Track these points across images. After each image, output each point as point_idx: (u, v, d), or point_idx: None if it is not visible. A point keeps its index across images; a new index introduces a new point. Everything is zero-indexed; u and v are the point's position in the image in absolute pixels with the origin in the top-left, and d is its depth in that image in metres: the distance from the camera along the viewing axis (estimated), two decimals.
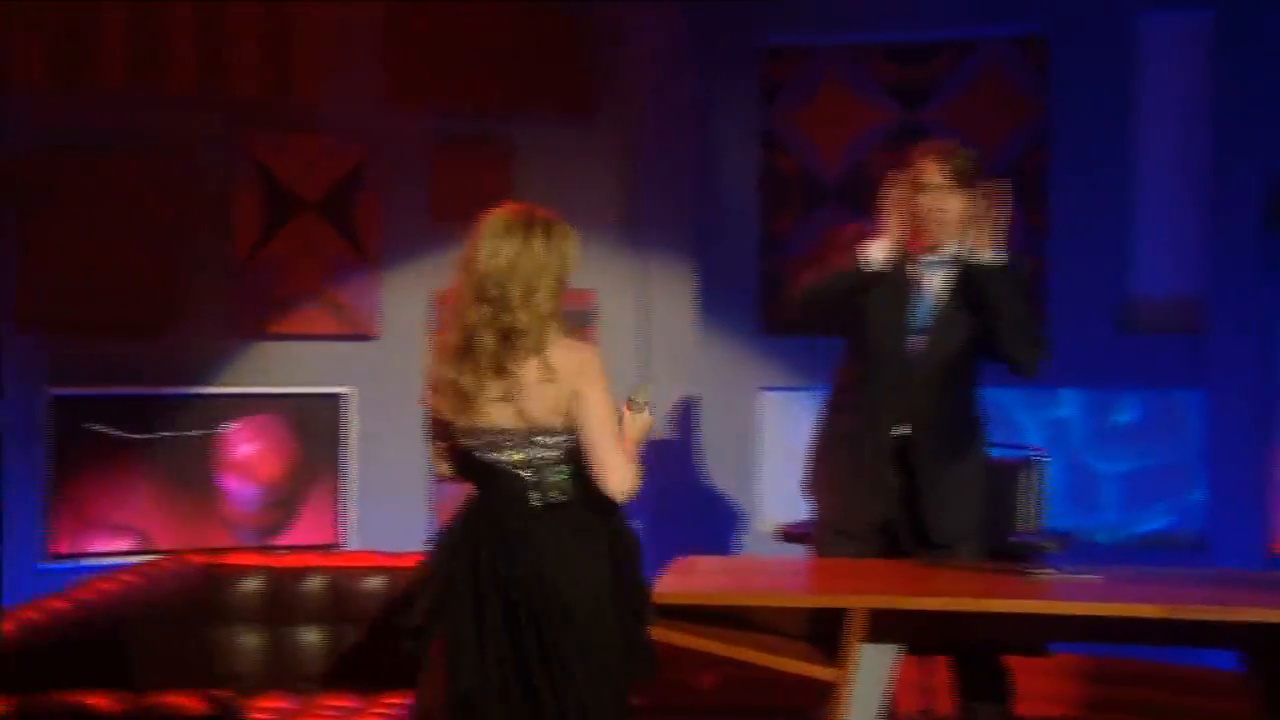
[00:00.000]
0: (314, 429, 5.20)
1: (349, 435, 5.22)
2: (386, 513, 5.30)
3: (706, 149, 5.65)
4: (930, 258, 3.55)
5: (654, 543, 5.38)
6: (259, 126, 5.19)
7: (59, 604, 2.73)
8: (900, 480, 3.53)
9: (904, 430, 3.55)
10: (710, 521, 5.61)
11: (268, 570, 3.20)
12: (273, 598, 3.27)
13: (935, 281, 3.55)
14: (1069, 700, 4.36)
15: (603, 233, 5.46)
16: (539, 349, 2.74)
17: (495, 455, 2.76)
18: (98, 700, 2.05)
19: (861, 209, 5.75)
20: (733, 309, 5.81)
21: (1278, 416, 5.20)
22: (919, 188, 3.49)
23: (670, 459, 5.58)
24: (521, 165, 5.35)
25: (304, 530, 5.22)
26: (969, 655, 3.32)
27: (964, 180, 3.48)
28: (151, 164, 5.08)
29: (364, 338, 5.29)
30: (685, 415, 5.60)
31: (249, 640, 3.22)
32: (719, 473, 5.65)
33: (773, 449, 5.76)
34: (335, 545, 5.20)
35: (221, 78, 5.10)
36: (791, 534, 4.38)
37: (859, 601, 2.67)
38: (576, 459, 2.73)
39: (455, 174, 5.31)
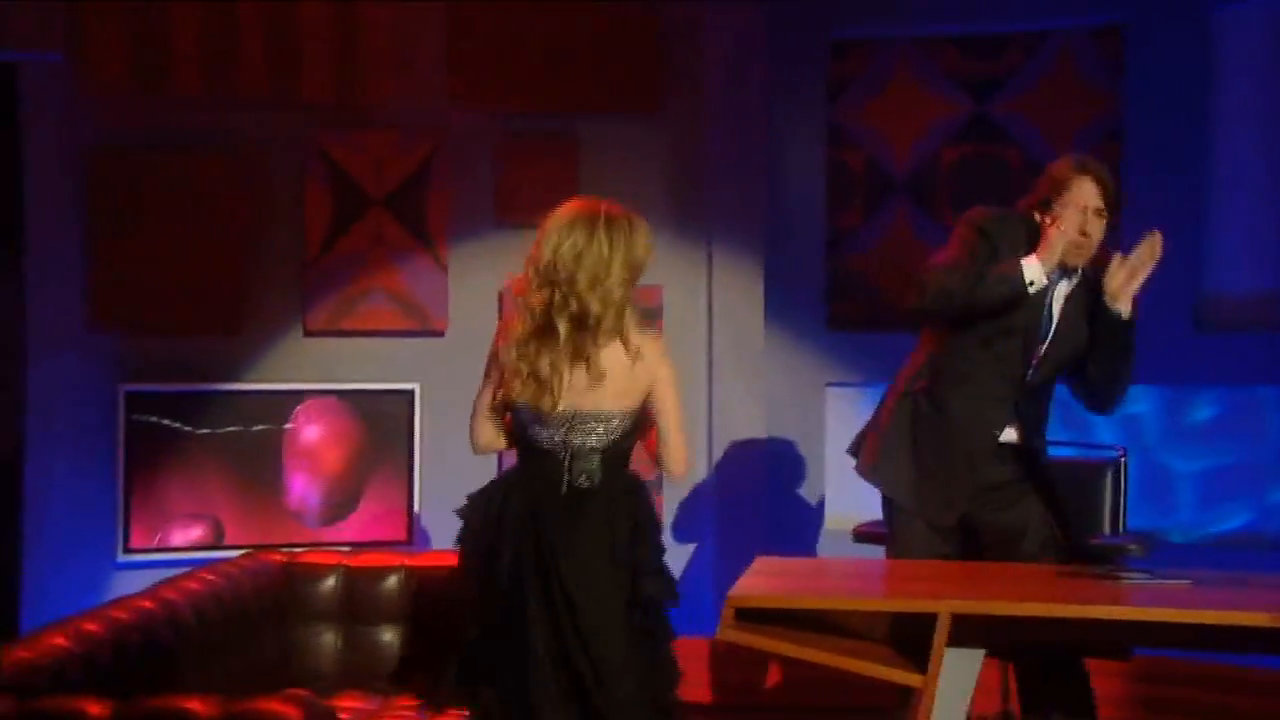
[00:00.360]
0: (383, 425, 5.23)
1: (417, 431, 5.23)
2: (454, 509, 5.31)
3: (774, 145, 5.63)
4: (1058, 271, 3.53)
5: (720, 540, 5.42)
6: (328, 125, 5.23)
7: (145, 603, 2.77)
8: (1002, 480, 3.52)
9: (1011, 436, 3.55)
10: (777, 519, 5.60)
11: (344, 569, 3.23)
12: (349, 596, 3.29)
13: (1059, 294, 3.55)
14: (1115, 701, 4.30)
15: (669, 229, 5.45)
16: (618, 333, 2.83)
17: (547, 435, 2.88)
18: (194, 705, 2.08)
19: (930, 203, 5.76)
20: (799, 305, 5.80)
21: None
22: (1070, 203, 3.43)
23: (737, 456, 5.56)
24: (587, 162, 5.36)
25: (373, 526, 5.26)
26: (1049, 661, 3.30)
27: (1113, 206, 3.48)
28: (224, 164, 5.15)
29: (432, 334, 5.32)
30: (751, 412, 5.59)
31: (326, 639, 3.25)
32: (786, 470, 5.63)
33: (840, 446, 5.72)
34: (405, 543, 5.23)
35: (292, 78, 5.15)
36: (865, 534, 4.36)
37: (954, 607, 2.66)
38: (611, 447, 2.84)
39: (520, 171, 5.32)
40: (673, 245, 5.47)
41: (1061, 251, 3.43)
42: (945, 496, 3.53)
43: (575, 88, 5.33)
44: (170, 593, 2.90)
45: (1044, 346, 3.53)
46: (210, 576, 3.08)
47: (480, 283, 5.34)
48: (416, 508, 5.26)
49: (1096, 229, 3.44)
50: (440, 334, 5.33)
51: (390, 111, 5.27)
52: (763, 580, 2.96)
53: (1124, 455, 3.80)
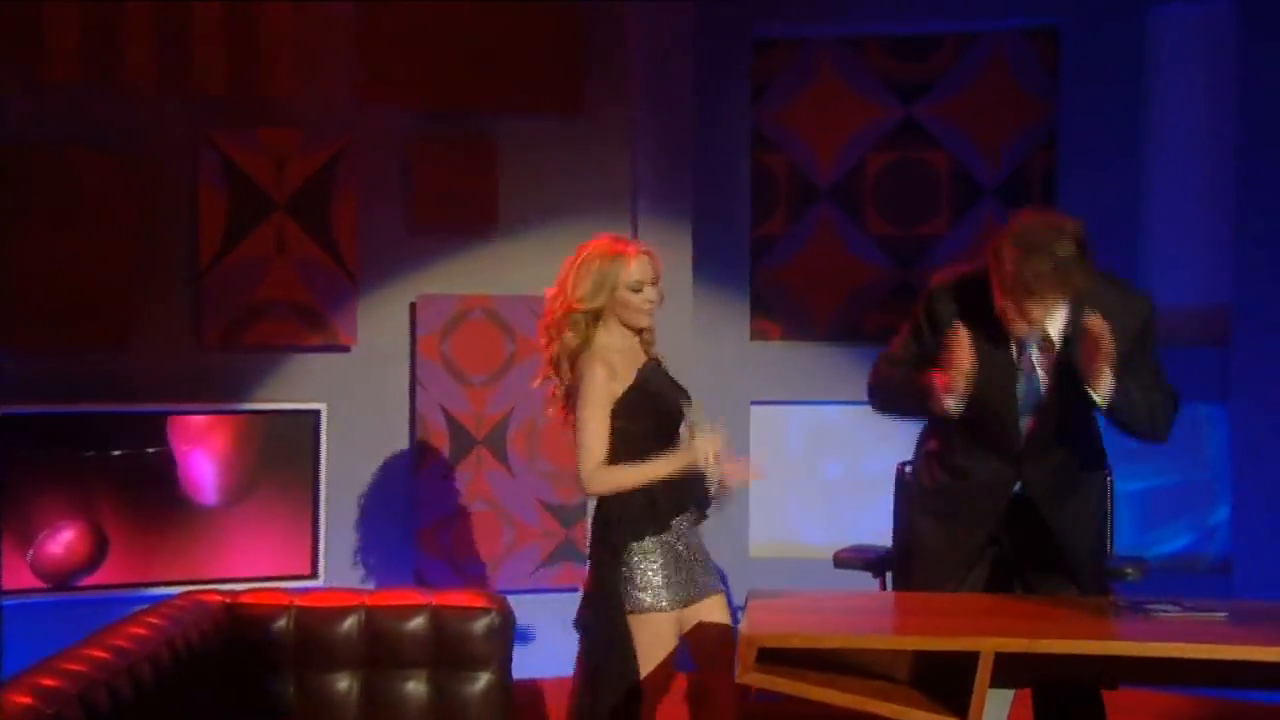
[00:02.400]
0: (285, 449, 5.05)
1: (323, 456, 5.06)
2: (364, 540, 5.16)
3: (701, 149, 5.59)
4: (1029, 337, 3.40)
5: None
6: (223, 121, 5.02)
7: (98, 653, 2.58)
8: (1013, 525, 3.49)
9: (1016, 488, 3.51)
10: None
11: (294, 611, 3.06)
12: (303, 641, 3.13)
13: (1037, 358, 3.44)
14: None
15: (593, 236, 5.36)
16: None
17: None
18: None
19: (855, 211, 5.79)
20: (725, 317, 5.76)
21: None
22: (1022, 284, 3.19)
23: None
24: (507, 166, 5.25)
25: (273, 559, 5.05)
26: (1070, 695, 3.29)
27: (1075, 285, 3.24)
28: (107, 161, 4.89)
29: (339, 349, 5.15)
30: None
31: (281, 689, 3.08)
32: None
33: (764, 465, 5.71)
34: (308, 577, 5.04)
35: (182, 68, 4.94)
36: (846, 560, 4.33)
37: (1000, 645, 2.62)
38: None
39: (435, 173, 5.18)
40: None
41: (963, 376, 3.32)
42: (963, 534, 3.49)
43: (493, 85, 5.21)
44: (119, 640, 2.70)
45: (1032, 417, 3.44)
46: (155, 620, 2.89)
47: (392, 294, 5.20)
48: (322, 540, 5.07)
49: (1059, 311, 3.30)
50: (347, 349, 5.16)
51: (292, 107, 5.08)
52: (779, 618, 2.89)
53: (1110, 474, 3.83)
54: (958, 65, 5.71)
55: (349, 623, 3.13)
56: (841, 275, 5.79)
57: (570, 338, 3.61)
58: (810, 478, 5.76)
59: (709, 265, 5.60)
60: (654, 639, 3.39)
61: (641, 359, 3.65)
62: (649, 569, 3.42)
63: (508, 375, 5.24)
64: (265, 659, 3.13)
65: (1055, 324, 3.35)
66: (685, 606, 3.46)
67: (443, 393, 5.18)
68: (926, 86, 5.72)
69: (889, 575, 4.28)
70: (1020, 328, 3.32)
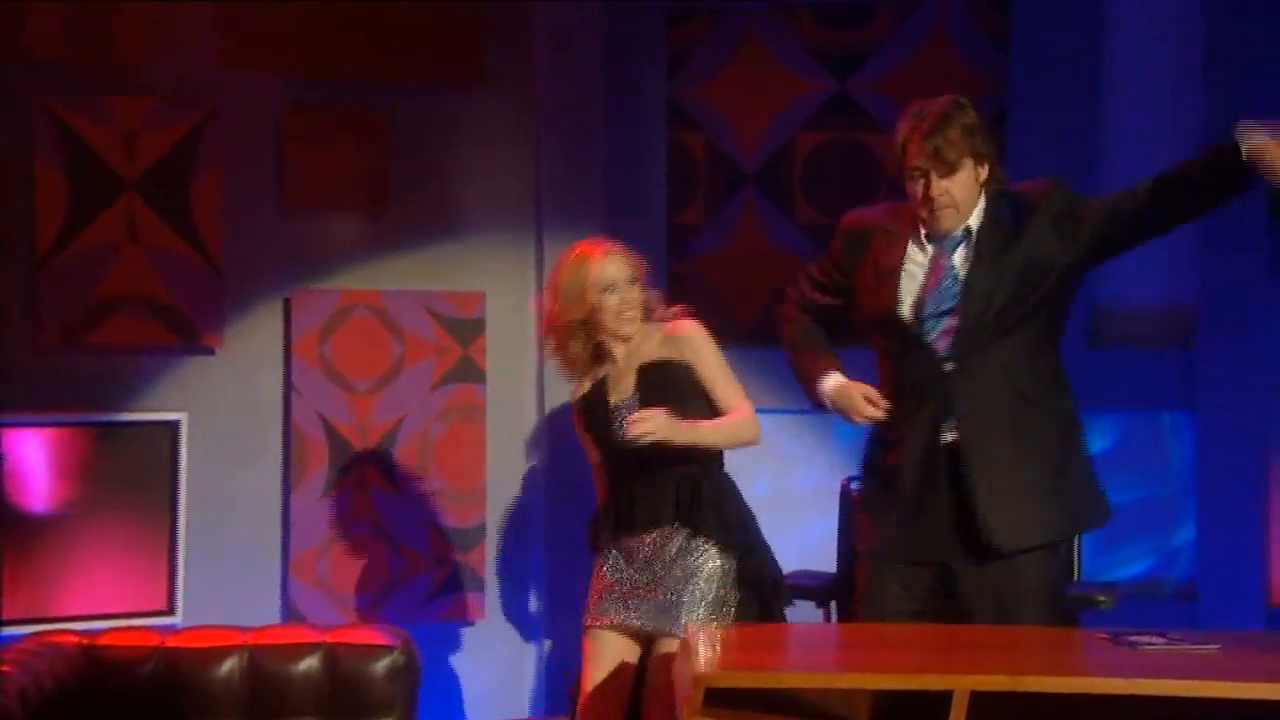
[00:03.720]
0: (137, 465, 4.94)
1: (183, 473, 4.96)
2: (229, 571, 5.06)
3: (613, 127, 5.56)
4: (947, 238, 3.65)
5: (552, 577, 5.30)
6: (62, 88, 4.89)
7: None
8: (953, 494, 3.54)
9: (949, 436, 3.56)
10: None
11: (164, 653, 2.97)
12: (174, 689, 3.03)
13: (957, 259, 3.64)
14: None
15: (494, 224, 5.33)
16: None
17: None
18: None
19: (783, 197, 5.79)
20: None
21: (1277, 441, 5.34)
22: (925, 151, 3.58)
23: (570, 491, 5.46)
24: (397, 142, 5.19)
25: (124, 594, 4.92)
26: None
27: (955, 156, 3.57)
28: None
29: (202, 351, 5.06)
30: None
31: None
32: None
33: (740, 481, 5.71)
34: (164, 613, 4.91)
35: (12, 25, 4.80)
36: (790, 586, 4.31)
37: (976, 683, 2.61)
38: None
39: (315, 152, 5.10)
40: (497, 245, 5.35)
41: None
42: (904, 528, 3.56)
43: (381, 50, 5.13)
44: None
45: (950, 319, 3.59)
46: (4, 667, 2.77)
47: (263, 288, 5.11)
48: (180, 570, 4.96)
49: (949, 187, 3.55)
50: (211, 351, 5.07)
51: (145, 73, 4.97)
52: (727, 655, 2.86)
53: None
54: (895, 35, 5.73)
55: (228, 666, 3.04)
56: (768, 270, 5.78)
57: (575, 345, 3.88)
58: None
59: None
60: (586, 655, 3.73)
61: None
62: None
63: (397, 381, 5.17)
64: (130, 709, 3.03)
65: (974, 216, 3.61)
66: (614, 631, 3.72)
67: (322, 401, 5.11)
68: (861, 59, 5.74)
69: (833, 605, 4.27)
70: (939, 219, 3.56)
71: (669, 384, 3.90)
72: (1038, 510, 3.55)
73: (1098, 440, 5.56)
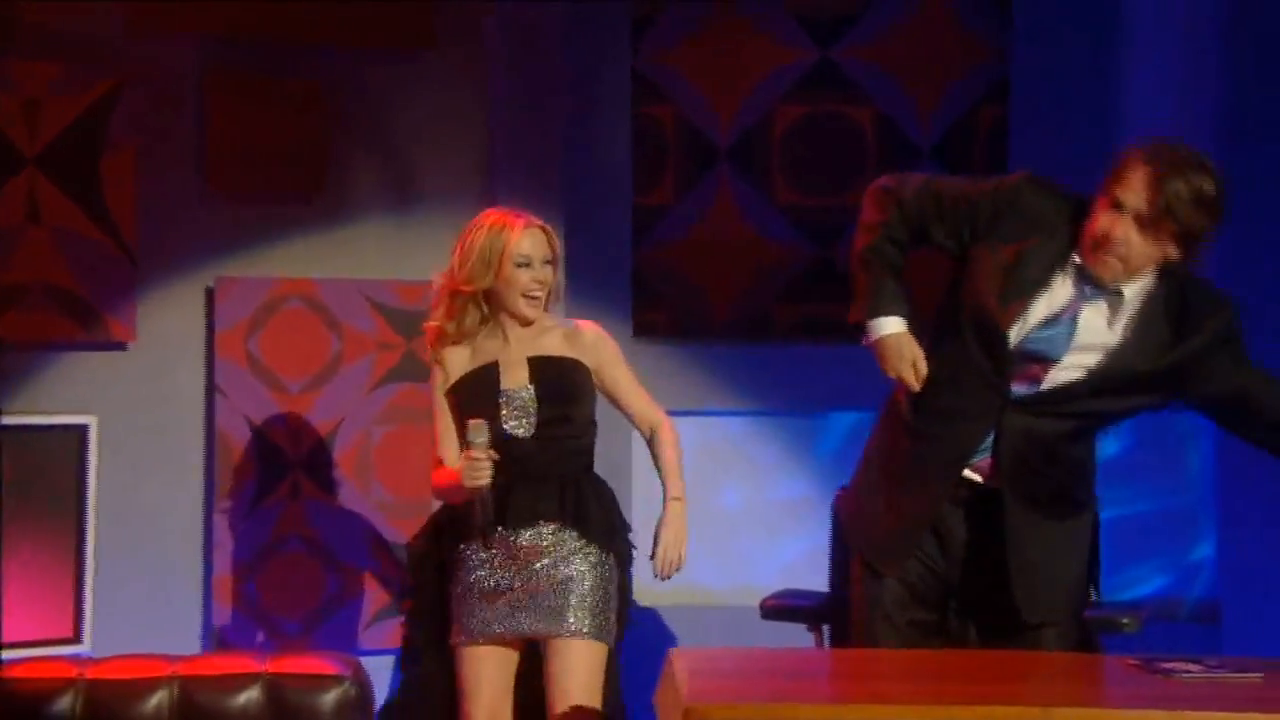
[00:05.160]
0: (39, 474, 4.91)
1: (91, 483, 4.94)
2: (144, 592, 5.01)
3: (575, 97, 5.54)
4: (1108, 285, 3.55)
5: None
6: None
7: None
8: (967, 538, 3.56)
9: (975, 477, 3.59)
10: None
11: (83, 686, 2.92)
12: None
13: (1090, 311, 3.57)
14: None
15: (443, 206, 5.28)
16: None
17: None
18: None
19: (761, 176, 5.78)
20: (601, 304, 5.71)
21: None
22: (1110, 198, 3.48)
23: None
24: (333, 112, 5.16)
25: (24, 619, 4.87)
26: None
27: (1167, 219, 3.46)
28: None
29: (112, 346, 5.03)
30: None
31: None
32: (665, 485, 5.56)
33: (648, 487, 5.69)
34: (70, 641, 4.87)
35: None
36: (775, 608, 4.33)
37: (1002, 715, 2.61)
38: None
39: (241, 125, 5.08)
40: (446, 227, 5.25)
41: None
42: (907, 545, 3.56)
43: (316, 11, 5.09)
44: None
45: (1033, 365, 3.55)
46: None
47: (182, 277, 5.08)
48: (88, 592, 4.91)
49: (1121, 230, 3.44)
50: (123, 347, 5.04)
51: (47, 33, 4.91)
52: (724, 684, 2.87)
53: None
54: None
55: (156, 700, 3.00)
56: (743, 256, 5.78)
57: (471, 317, 3.93)
58: (704, 506, 5.72)
59: (582, 243, 5.54)
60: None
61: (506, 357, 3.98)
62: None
63: (334, 380, 5.15)
64: None
65: (1135, 283, 3.50)
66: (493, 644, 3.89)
67: (249, 402, 5.08)
68: (847, 23, 5.74)
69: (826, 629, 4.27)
70: (1105, 265, 3.45)
71: (567, 383, 4.01)
72: (1059, 593, 3.64)
73: (1109, 445, 5.60)
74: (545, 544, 3.93)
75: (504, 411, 3.95)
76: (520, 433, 3.94)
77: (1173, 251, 3.46)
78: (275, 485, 5.10)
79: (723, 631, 5.32)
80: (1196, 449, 5.57)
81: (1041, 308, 3.54)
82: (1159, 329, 3.54)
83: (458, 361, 4.06)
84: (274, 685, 3.03)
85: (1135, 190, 3.43)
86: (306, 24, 5.13)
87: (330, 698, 3.08)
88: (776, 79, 5.76)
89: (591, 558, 3.92)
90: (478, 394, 3.98)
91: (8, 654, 4.33)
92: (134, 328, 5.04)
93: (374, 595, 5.19)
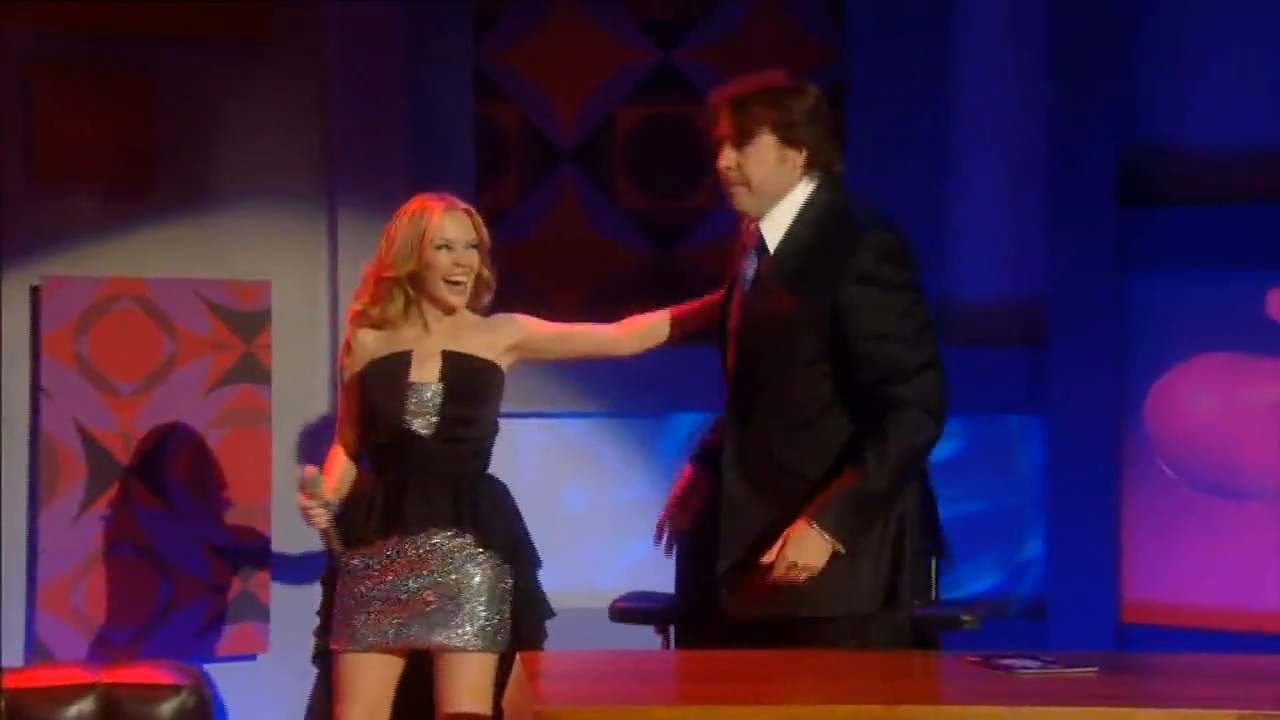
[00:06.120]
0: None
1: None
2: None
3: (417, 96, 5.50)
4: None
5: None
6: None
7: None
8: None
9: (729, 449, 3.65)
10: None
11: (3, 695, 2.84)
12: None
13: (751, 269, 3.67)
14: None
15: (281, 204, 5.24)
16: None
17: None
18: None
19: (605, 177, 5.77)
20: None
21: (1132, 447, 5.50)
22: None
23: None
24: (166, 107, 5.09)
25: None
26: None
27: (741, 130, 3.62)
28: None
29: None
30: None
31: None
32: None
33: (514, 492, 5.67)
34: None
35: None
36: (625, 610, 4.31)
37: (844, 713, 2.63)
38: None
39: (68, 117, 4.99)
40: (284, 227, 5.25)
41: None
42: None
43: (150, 3, 5.02)
44: None
45: (734, 341, 3.65)
46: None
47: (6, 274, 4.96)
48: None
49: (730, 161, 3.60)
50: None
51: None
52: (577, 687, 2.86)
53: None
54: (726, 1, 5.77)
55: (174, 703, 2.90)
56: (587, 258, 5.78)
57: (394, 306, 3.87)
58: (547, 509, 5.70)
59: None
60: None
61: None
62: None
63: (167, 382, 5.06)
64: None
65: (772, 225, 3.58)
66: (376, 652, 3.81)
67: (77, 405, 4.97)
68: (688, 26, 5.77)
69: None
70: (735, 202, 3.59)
71: (477, 384, 3.93)
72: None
73: (942, 446, 5.67)
74: (438, 551, 3.84)
75: (410, 404, 3.86)
76: (423, 430, 3.84)
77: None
78: (104, 491, 5.00)
79: (569, 634, 5.30)
80: (1028, 449, 5.67)
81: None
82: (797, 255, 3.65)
83: (368, 344, 3.94)
84: (108, 696, 2.94)
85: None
86: (140, 14, 5.04)
87: (168, 708, 3.00)
88: (620, 80, 5.77)
89: (486, 565, 3.83)
90: (385, 383, 3.89)
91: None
92: None
93: (208, 602, 5.10)
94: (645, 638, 4.46)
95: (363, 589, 3.84)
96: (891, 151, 5.62)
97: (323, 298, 5.33)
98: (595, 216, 5.78)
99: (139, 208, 5.10)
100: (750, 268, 3.62)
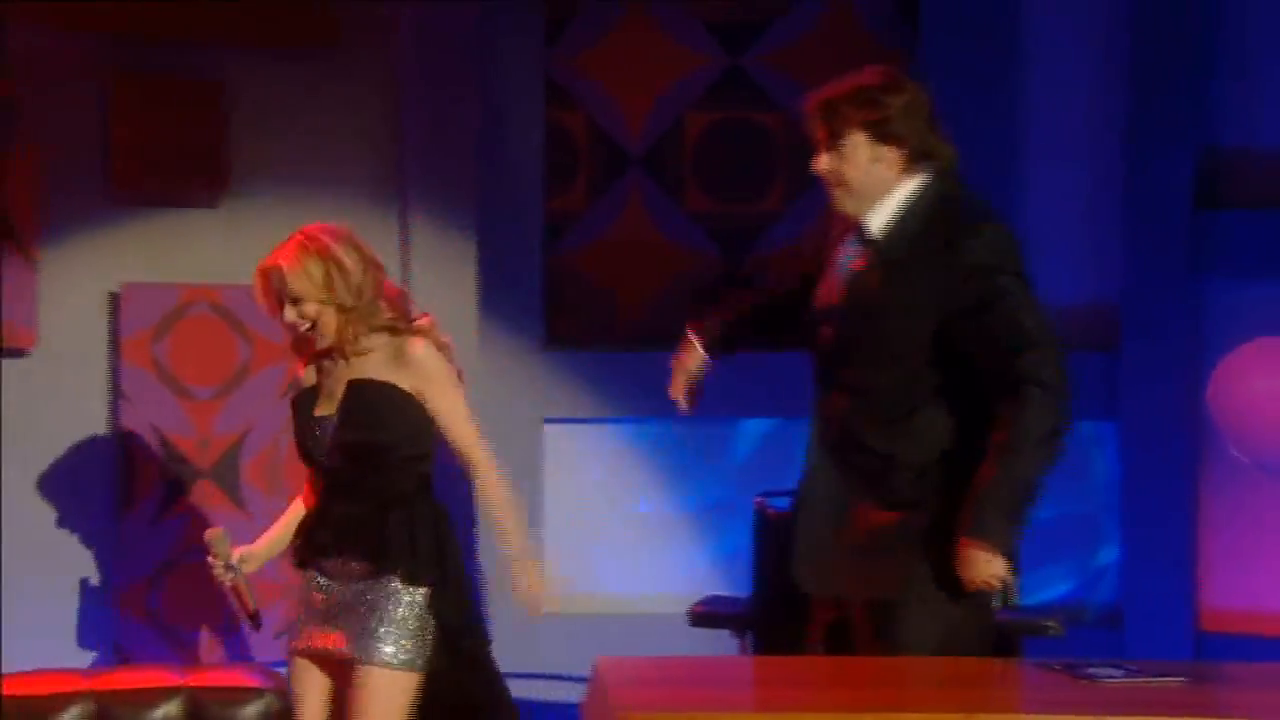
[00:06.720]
0: None
1: None
2: (45, 605, 4.93)
3: (487, 102, 5.52)
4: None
5: None
6: None
7: None
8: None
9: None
10: (483, 589, 5.47)
11: (93, 697, 2.88)
12: None
13: (847, 258, 3.62)
14: None
15: (353, 210, 5.19)
16: None
17: None
18: None
19: (672, 182, 5.78)
20: (511, 314, 5.70)
21: (1208, 453, 5.46)
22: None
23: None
24: (238, 114, 5.13)
25: None
26: None
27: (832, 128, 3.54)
28: None
29: (10, 354, 4.95)
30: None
31: None
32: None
33: (560, 498, 5.69)
34: None
35: None
36: (703, 616, 4.31)
37: None
38: None
39: (145, 125, 5.03)
40: (357, 231, 5.21)
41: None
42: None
43: (223, 11, 5.06)
44: None
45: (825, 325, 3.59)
46: None
47: (85, 281, 5.02)
48: None
49: (825, 164, 3.53)
50: (23, 353, 4.97)
51: None
52: (645, 692, 2.85)
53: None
54: (795, 6, 5.76)
55: (72, 715, 2.94)
56: (655, 262, 5.79)
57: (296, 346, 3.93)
58: (614, 513, 5.74)
59: (494, 249, 5.53)
60: None
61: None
62: None
63: (242, 387, 5.11)
64: None
65: (877, 212, 3.52)
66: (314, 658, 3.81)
67: (155, 409, 5.02)
68: (757, 31, 5.77)
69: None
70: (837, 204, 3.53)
71: (370, 407, 3.81)
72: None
73: None
74: (354, 575, 3.81)
75: (315, 438, 3.84)
76: (326, 462, 3.83)
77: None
78: (182, 495, 5.05)
79: (637, 639, 5.30)
80: (1101, 455, 5.64)
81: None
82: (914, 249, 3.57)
83: (303, 379, 3.94)
84: (194, 700, 2.98)
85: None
86: (210, 22, 5.08)
87: (252, 710, 3.03)
88: (688, 85, 5.78)
89: (397, 589, 3.76)
90: (296, 421, 3.90)
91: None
92: (35, 334, 4.97)
93: (284, 606, 5.13)
94: (712, 641, 4.46)
95: (309, 598, 3.88)
96: (963, 155, 5.56)
97: None
98: (662, 221, 5.79)
99: (213, 214, 5.15)
100: (848, 254, 3.58)
